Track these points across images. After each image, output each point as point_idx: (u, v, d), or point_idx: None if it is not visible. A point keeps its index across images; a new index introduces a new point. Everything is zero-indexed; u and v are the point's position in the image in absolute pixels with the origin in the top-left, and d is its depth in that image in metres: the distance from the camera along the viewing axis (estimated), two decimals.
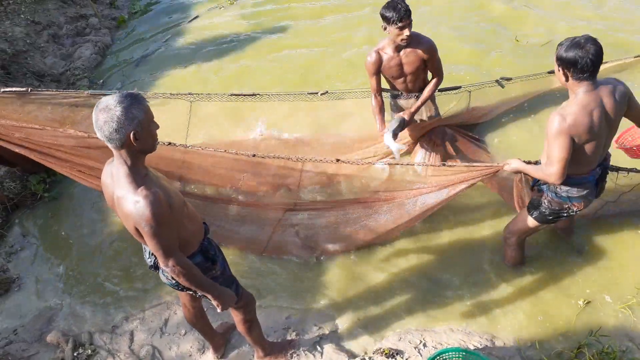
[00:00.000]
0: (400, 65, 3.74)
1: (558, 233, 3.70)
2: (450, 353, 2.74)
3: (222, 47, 6.42)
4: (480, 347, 3.11)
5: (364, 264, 3.72)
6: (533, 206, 3.13)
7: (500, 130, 4.76)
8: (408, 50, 3.66)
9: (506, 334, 3.21)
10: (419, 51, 3.66)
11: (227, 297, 2.45)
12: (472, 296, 3.45)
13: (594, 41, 2.50)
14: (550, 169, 2.67)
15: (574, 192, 2.90)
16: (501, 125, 4.79)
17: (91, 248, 4.05)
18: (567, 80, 2.61)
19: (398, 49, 3.66)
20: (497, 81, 4.47)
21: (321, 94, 4.32)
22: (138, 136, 1.94)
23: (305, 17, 6.85)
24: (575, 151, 2.64)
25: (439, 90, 4.12)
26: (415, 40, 3.61)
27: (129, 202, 2.00)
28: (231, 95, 4.29)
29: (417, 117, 4.12)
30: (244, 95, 4.28)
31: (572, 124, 2.56)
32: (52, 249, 4.09)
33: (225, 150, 3.45)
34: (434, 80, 3.87)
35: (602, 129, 2.66)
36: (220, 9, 7.33)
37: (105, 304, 3.66)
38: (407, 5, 3.39)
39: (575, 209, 3.00)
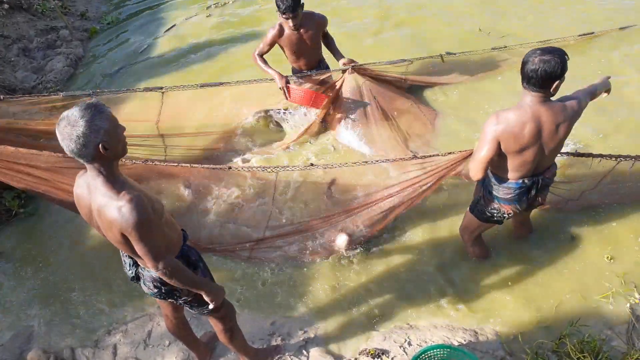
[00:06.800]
0: (301, 40, 4.22)
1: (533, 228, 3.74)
2: (435, 350, 2.76)
3: (199, 56, 6.39)
4: (464, 342, 3.14)
5: (345, 267, 3.72)
6: (473, 203, 3.20)
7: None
8: (305, 28, 4.15)
9: (489, 329, 3.25)
10: (315, 25, 4.18)
11: (219, 292, 2.48)
12: (454, 293, 3.48)
13: (559, 55, 2.39)
14: (470, 164, 2.74)
15: (501, 193, 2.89)
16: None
17: (69, 263, 3.98)
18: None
19: (296, 27, 4.09)
20: (440, 55, 4.93)
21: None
22: (107, 145, 1.90)
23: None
24: (500, 156, 2.65)
25: (388, 63, 4.63)
26: (308, 19, 4.12)
27: (112, 209, 1.95)
28: (201, 86, 4.46)
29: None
30: (213, 85, 4.51)
31: (501, 130, 2.56)
32: (29, 265, 4.01)
33: (200, 165, 3.53)
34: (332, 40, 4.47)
35: (532, 144, 2.60)
36: (201, 16, 7.28)
37: (87, 318, 3.60)
38: (292, 3, 3.83)
39: (504, 211, 3.00)
